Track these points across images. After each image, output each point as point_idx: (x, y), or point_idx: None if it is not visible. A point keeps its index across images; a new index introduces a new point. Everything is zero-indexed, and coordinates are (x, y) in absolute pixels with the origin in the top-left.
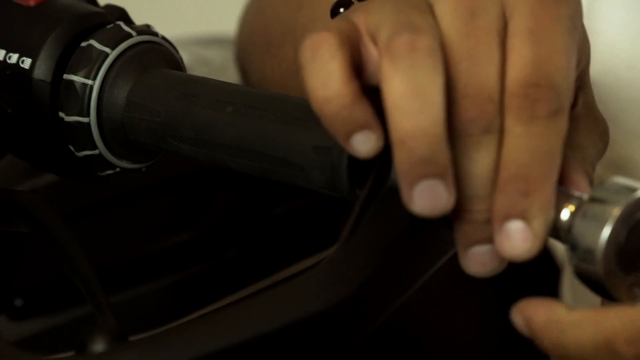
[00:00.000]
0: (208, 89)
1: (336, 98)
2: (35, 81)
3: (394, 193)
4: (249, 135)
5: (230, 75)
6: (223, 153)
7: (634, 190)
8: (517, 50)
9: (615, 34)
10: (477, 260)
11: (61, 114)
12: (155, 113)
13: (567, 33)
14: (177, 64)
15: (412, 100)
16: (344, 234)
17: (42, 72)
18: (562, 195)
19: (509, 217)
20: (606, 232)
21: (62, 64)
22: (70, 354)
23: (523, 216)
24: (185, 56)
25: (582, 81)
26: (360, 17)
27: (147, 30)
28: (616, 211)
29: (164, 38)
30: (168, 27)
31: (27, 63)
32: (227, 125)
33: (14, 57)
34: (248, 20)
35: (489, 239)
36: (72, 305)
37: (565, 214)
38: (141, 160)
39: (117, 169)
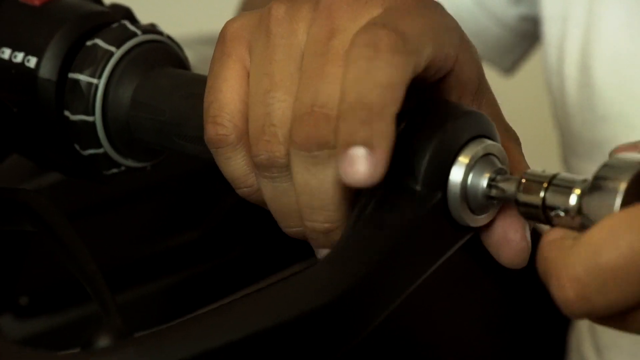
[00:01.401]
0: None
1: (245, 188)
2: (41, 80)
3: (395, 192)
4: None
5: None
6: None
7: (637, 161)
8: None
9: (615, 33)
10: None
11: (66, 113)
12: (160, 112)
13: (423, 17)
14: (182, 63)
15: (279, 205)
16: (344, 230)
17: (47, 71)
18: (563, 184)
19: (351, 143)
20: (618, 203)
21: (68, 63)
22: (76, 351)
23: (365, 143)
24: (191, 55)
25: (481, 86)
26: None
27: (152, 29)
28: (623, 184)
29: (169, 37)
30: (174, 26)
31: (32, 62)
32: None
33: (19, 56)
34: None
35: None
36: (78, 304)
37: (572, 199)
38: (146, 159)
39: (122, 168)
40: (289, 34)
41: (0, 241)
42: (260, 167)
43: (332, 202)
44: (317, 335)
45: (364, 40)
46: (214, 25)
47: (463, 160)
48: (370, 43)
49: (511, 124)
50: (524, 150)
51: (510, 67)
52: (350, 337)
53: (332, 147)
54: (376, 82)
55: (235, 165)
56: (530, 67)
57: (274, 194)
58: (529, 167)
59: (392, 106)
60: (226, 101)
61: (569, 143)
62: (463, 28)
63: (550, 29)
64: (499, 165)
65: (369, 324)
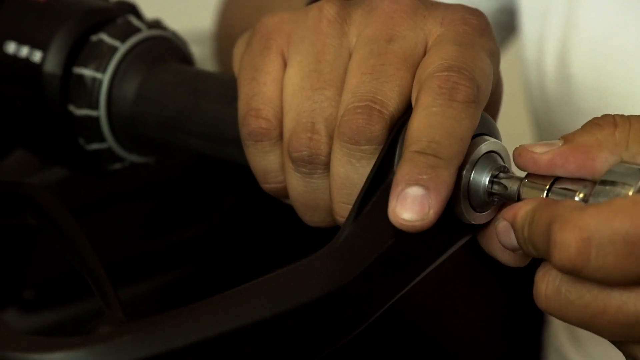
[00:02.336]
0: (217, 84)
1: (273, 184)
2: (46, 74)
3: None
4: None
5: None
6: (231, 148)
7: None
8: (440, 52)
9: (595, 27)
10: None
11: (71, 108)
12: (165, 107)
13: (487, 54)
14: (187, 58)
15: (310, 200)
16: (346, 222)
17: (52, 65)
18: (568, 186)
19: (410, 183)
20: None
21: (73, 58)
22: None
23: (425, 185)
24: (200, 51)
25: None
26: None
27: (157, 24)
28: (631, 190)
29: (174, 33)
30: (181, 22)
31: (37, 56)
32: (235, 120)
33: (24, 50)
34: (219, 18)
35: None
36: (82, 298)
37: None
38: (150, 154)
39: (126, 163)
40: (340, 34)
41: (5, 235)
42: (298, 162)
43: None
44: (314, 327)
45: (441, 84)
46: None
47: (465, 157)
48: (446, 90)
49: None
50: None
51: None
52: (347, 330)
53: (379, 143)
54: (450, 132)
55: (271, 160)
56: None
57: (305, 190)
58: None
59: (460, 155)
60: (270, 95)
61: (548, 137)
62: None
63: (529, 23)
64: (502, 163)
65: (367, 318)
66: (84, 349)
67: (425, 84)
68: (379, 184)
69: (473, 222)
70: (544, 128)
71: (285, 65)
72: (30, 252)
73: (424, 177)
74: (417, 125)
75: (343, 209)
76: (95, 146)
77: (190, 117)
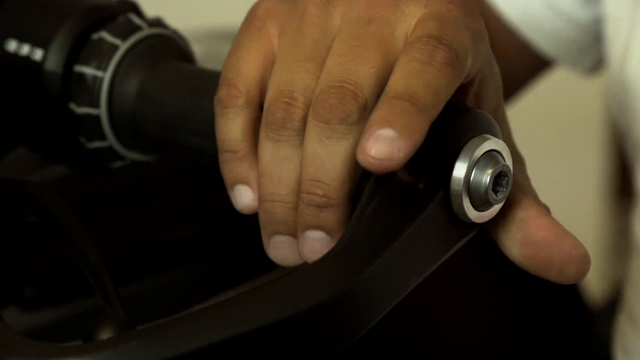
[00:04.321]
0: (218, 82)
1: (229, 152)
2: (46, 72)
3: (398, 189)
4: None
5: None
6: None
7: None
8: (421, 27)
9: None
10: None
11: (72, 106)
12: (166, 106)
13: (469, 31)
14: (188, 56)
15: (275, 170)
16: (348, 225)
17: (53, 63)
18: None
19: (383, 125)
20: None
21: (73, 56)
22: (78, 343)
23: (397, 128)
24: (201, 49)
25: (499, 110)
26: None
27: (158, 23)
28: None
29: (175, 31)
30: (182, 21)
31: (38, 54)
32: None
33: (25, 48)
34: None
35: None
36: (84, 297)
37: None
38: (151, 152)
39: (127, 161)
40: (325, 15)
41: (6, 233)
42: (271, 126)
43: (337, 179)
44: (318, 331)
45: (420, 47)
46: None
47: (466, 156)
48: (425, 51)
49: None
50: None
51: (591, 67)
52: (351, 334)
53: (351, 124)
54: (426, 83)
55: (234, 127)
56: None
57: (273, 159)
58: (535, 193)
59: (435, 108)
60: (245, 67)
61: (634, 147)
62: (535, 30)
63: (615, 30)
64: (503, 162)
65: (371, 321)
66: (90, 356)
67: (405, 49)
68: (382, 183)
69: (474, 221)
70: (628, 139)
71: (272, 45)
72: (31, 250)
73: (398, 120)
74: (396, 76)
75: (308, 186)
76: (96, 144)
77: (191, 116)
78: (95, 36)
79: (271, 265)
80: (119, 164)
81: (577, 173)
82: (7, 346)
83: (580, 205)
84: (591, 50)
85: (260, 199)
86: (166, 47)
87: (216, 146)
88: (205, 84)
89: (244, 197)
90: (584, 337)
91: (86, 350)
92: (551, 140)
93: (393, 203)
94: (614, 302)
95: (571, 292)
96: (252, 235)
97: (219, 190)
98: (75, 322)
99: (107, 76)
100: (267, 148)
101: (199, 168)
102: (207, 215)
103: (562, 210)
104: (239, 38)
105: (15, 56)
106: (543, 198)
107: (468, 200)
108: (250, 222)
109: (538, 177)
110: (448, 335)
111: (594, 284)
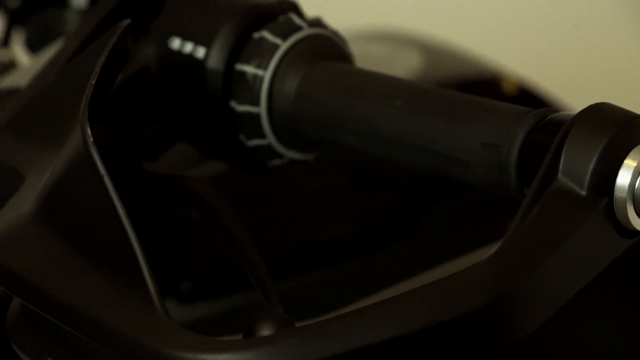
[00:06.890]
0: (376, 83)
1: None
2: (209, 70)
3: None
4: (416, 130)
5: (393, 71)
6: (388, 147)
7: None
8: None
9: None
10: None
11: (232, 104)
12: (323, 105)
13: None
14: (346, 57)
15: None
16: (509, 231)
17: (215, 61)
18: None
19: None
20: None
21: (235, 54)
22: (238, 337)
23: None
24: (362, 49)
25: None
26: None
27: (317, 23)
28: None
29: (334, 31)
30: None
31: (201, 52)
32: (394, 119)
33: (188, 46)
34: None
35: None
36: (239, 291)
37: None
38: (309, 152)
39: (285, 159)
40: None
41: (165, 227)
42: None
43: None
44: (475, 335)
45: None
46: (379, 21)
47: (631, 163)
48: None
49: None
50: None
51: None
52: (506, 340)
53: None
54: None
55: None
56: None
57: None
58: None
59: None
60: None
61: None
62: None
63: None
64: None
65: (528, 330)
66: (250, 351)
67: None
68: (544, 189)
69: (638, 230)
70: None
71: None
72: (188, 244)
73: None
74: None
75: None
76: (255, 142)
77: (347, 116)
78: (256, 35)
79: (423, 266)
80: (277, 162)
81: None
82: (174, 338)
83: None
84: None
85: None
86: (325, 47)
87: (371, 147)
88: (363, 85)
89: None
90: None
91: (248, 346)
92: None
93: (555, 211)
94: None
95: None
96: (403, 237)
97: (373, 192)
98: (230, 317)
99: (267, 75)
100: None
101: (354, 168)
102: (359, 216)
103: None
104: None
105: (178, 54)
106: None
107: (632, 208)
108: (399, 225)
109: None
110: (596, 345)
111: None
